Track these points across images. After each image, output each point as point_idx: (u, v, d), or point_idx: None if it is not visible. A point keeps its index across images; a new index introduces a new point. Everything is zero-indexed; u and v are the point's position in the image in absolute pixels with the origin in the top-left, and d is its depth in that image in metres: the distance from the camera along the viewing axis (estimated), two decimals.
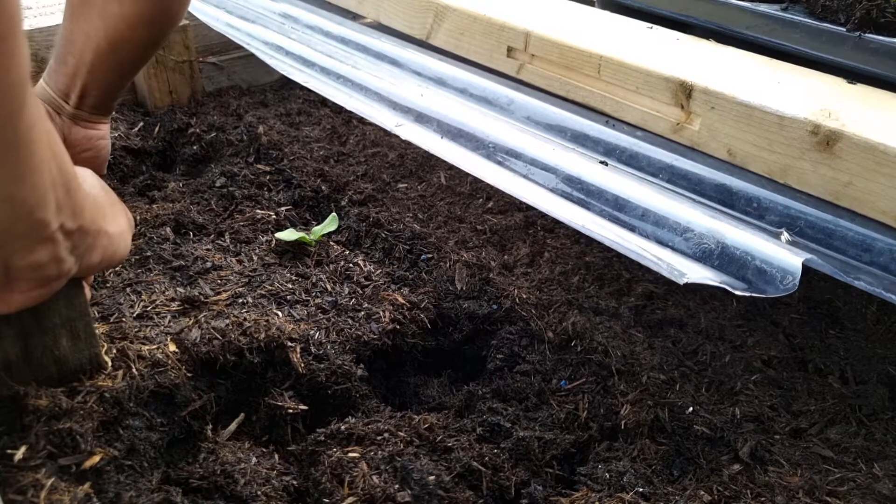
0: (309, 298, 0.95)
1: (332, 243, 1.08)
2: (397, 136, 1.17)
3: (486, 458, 0.78)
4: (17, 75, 0.52)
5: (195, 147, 1.33)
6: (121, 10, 0.84)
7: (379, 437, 0.78)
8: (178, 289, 0.92)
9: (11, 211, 0.56)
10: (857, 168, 0.85)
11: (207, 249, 1.01)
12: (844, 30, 1.11)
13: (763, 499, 0.75)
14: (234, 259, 1.00)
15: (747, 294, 0.80)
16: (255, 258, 1.01)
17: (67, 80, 0.91)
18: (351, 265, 1.02)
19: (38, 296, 0.64)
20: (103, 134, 0.97)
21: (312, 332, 0.88)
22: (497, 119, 1.18)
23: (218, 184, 1.18)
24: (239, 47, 1.47)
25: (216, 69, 1.58)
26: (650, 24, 1.25)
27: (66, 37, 0.90)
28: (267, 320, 0.87)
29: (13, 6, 0.50)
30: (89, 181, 0.70)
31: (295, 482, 0.75)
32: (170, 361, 0.80)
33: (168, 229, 1.04)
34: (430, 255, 1.07)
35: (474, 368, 0.99)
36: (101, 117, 0.95)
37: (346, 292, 0.97)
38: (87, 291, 0.75)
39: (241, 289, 0.94)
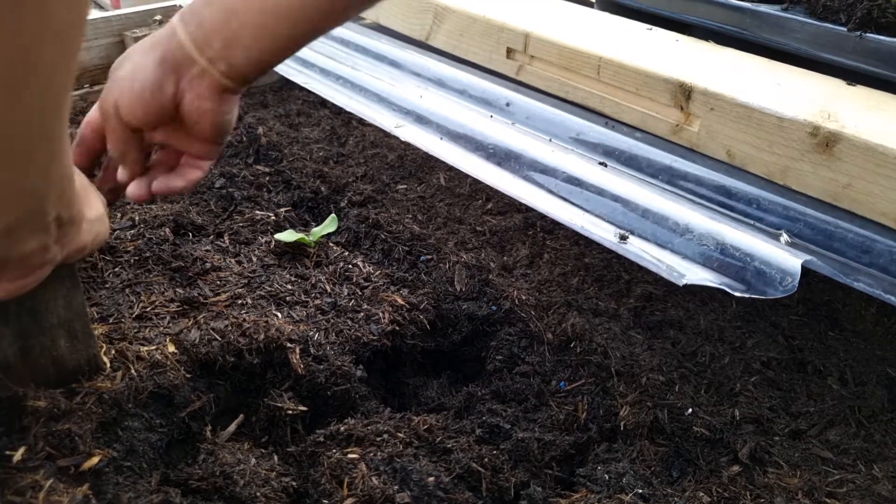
0: (308, 299, 0.95)
1: (331, 244, 1.07)
2: (397, 138, 1.17)
3: (486, 460, 0.78)
4: (71, 76, 0.52)
5: None
6: None
7: (378, 438, 0.78)
8: (177, 290, 0.92)
9: (30, 201, 0.56)
10: (857, 170, 0.85)
11: (206, 250, 1.01)
12: (845, 30, 1.11)
13: (762, 500, 0.75)
14: (233, 260, 1.00)
15: (747, 295, 0.80)
16: (254, 259, 1.01)
17: (218, 17, 0.68)
18: (350, 266, 1.02)
19: (25, 284, 0.64)
20: (227, 109, 0.76)
21: (312, 333, 0.88)
22: (496, 120, 1.18)
23: (217, 185, 1.18)
24: None
25: None
26: (649, 26, 1.25)
27: None
28: (266, 321, 0.87)
29: (81, 15, 0.50)
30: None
31: (294, 483, 0.75)
32: (169, 362, 0.80)
33: (167, 230, 1.04)
34: (429, 257, 1.07)
35: (473, 369, 0.99)
36: (232, 85, 0.73)
37: (346, 293, 0.97)
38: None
39: (240, 290, 0.94)
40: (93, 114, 0.82)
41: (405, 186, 1.26)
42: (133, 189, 0.86)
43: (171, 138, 0.85)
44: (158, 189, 0.87)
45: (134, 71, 0.74)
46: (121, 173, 0.86)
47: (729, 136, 0.97)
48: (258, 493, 0.71)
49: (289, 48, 0.73)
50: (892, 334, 1.00)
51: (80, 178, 0.71)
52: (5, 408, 0.69)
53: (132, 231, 1.02)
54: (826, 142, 0.87)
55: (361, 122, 1.45)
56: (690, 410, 0.84)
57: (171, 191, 0.86)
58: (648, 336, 0.95)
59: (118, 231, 1.02)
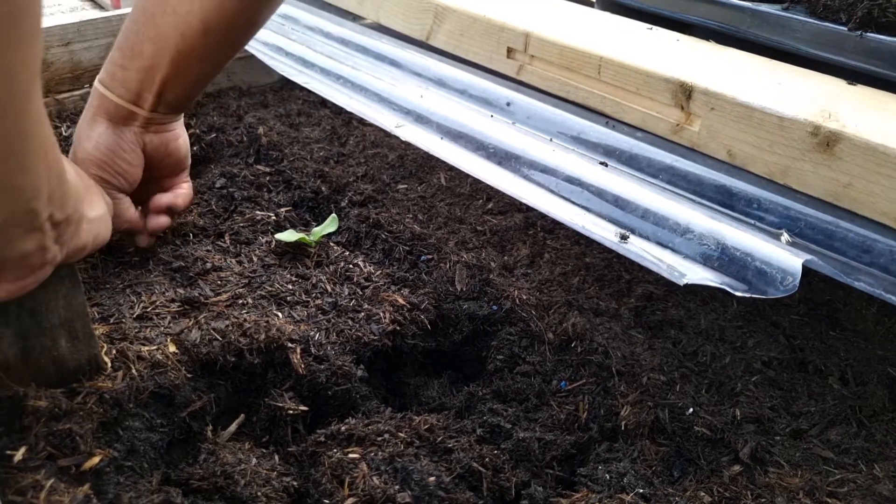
0: (309, 299, 0.95)
1: (331, 244, 1.07)
2: (397, 137, 1.17)
3: (487, 459, 0.78)
4: (32, 71, 0.52)
5: (195, 148, 1.32)
6: None
7: (379, 438, 0.78)
8: (177, 290, 0.92)
9: (15, 200, 0.56)
10: (858, 169, 0.85)
11: (207, 251, 1.01)
12: (846, 29, 1.11)
13: (763, 500, 0.75)
14: (233, 260, 1.00)
15: (747, 295, 0.79)
16: (255, 259, 1.01)
17: (141, 77, 0.78)
18: (351, 266, 1.02)
19: (26, 284, 0.64)
20: (179, 133, 0.88)
21: (312, 333, 0.88)
22: (497, 120, 1.18)
23: (218, 185, 1.18)
24: None
25: None
26: (650, 25, 1.25)
27: (143, 21, 0.77)
28: (267, 321, 0.87)
29: (34, 6, 0.50)
30: (67, 169, 0.68)
31: (295, 483, 0.75)
32: (170, 362, 0.80)
33: (168, 230, 1.04)
34: (430, 256, 1.07)
35: (474, 369, 0.99)
36: (175, 116, 0.85)
37: (346, 293, 0.97)
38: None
39: (240, 290, 0.94)
40: None
41: (406, 186, 1.26)
42: (153, 223, 0.96)
43: (150, 190, 0.92)
44: (162, 209, 0.94)
45: (95, 143, 0.82)
46: (142, 240, 0.92)
47: (730, 136, 0.97)
48: (259, 493, 0.71)
49: (213, 73, 0.84)
50: (893, 334, 1.00)
51: (81, 178, 0.71)
52: (6, 408, 0.69)
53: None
54: (827, 141, 0.87)
55: (362, 121, 1.45)
56: (691, 410, 0.84)
57: (177, 209, 0.94)
58: (649, 336, 0.95)
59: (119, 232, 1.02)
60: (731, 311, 1.01)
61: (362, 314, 0.94)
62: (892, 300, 0.79)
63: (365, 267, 1.03)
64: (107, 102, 0.80)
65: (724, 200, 0.98)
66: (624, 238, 0.90)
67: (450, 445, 0.78)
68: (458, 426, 0.83)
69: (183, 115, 0.87)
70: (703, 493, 0.75)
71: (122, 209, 0.90)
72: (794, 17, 1.18)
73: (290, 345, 0.85)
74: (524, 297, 0.99)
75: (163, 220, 0.96)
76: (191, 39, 0.75)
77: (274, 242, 1.04)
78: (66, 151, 1.22)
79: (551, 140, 1.13)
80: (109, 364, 0.78)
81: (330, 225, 1.09)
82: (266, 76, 1.62)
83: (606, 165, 1.06)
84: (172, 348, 0.82)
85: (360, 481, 0.72)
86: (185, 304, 0.90)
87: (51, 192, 0.60)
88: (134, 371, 0.78)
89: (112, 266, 0.96)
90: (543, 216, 1.14)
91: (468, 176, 1.16)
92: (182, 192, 0.99)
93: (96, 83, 0.81)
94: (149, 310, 0.88)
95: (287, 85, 1.60)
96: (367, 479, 0.72)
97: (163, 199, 0.96)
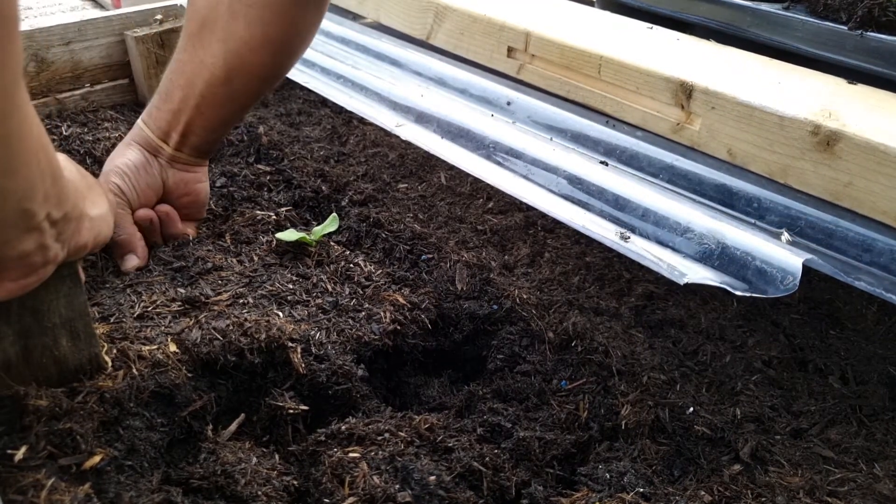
0: (309, 299, 0.95)
1: (332, 243, 1.08)
2: (398, 137, 1.17)
3: (487, 459, 0.78)
4: (12, 74, 0.52)
5: None
6: (247, 31, 0.80)
7: (379, 438, 0.78)
8: (178, 289, 0.92)
9: (5, 202, 0.57)
10: (858, 168, 0.85)
11: (208, 250, 1.01)
12: (846, 28, 1.11)
13: (763, 499, 0.75)
14: (234, 259, 1.00)
15: (748, 294, 0.80)
16: (255, 259, 1.01)
17: (170, 118, 0.88)
18: (351, 265, 1.02)
19: (28, 283, 0.65)
20: (201, 177, 0.96)
21: (313, 332, 0.88)
22: (497, 119, 1.18)
23: (218, 184, 1.18)
24: None
25: None
26: (650, 24, 1.25)
27: (176, 69, 0.86)
28: (268, 321, 0.87)
29: (11, 8, 0.50)
30: (67, 167, 0.69)
31: (295, 482, 0.75)
32: (170, 362, 0.80)
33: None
34: (430, 256, 1.07)
35: (475, 369, 0.99)
36: (199, 160, 0.93)
37: (347, 293, 0.97)
38: (81, 274, 0.74)
39: (241, 289, 0.94)
40: None
41: (406, 185, 1.26)
42: (140, 212, 0.96)
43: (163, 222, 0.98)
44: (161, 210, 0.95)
45: (125, 159, 0.90)
46: (131, 261, 0.92)
47: (730, 135, 0.97)
48: (259, 492, 0.71)
49: (234, 119, 0.94)
50: (893, 333, 1.00)
51: (83, 177, 0.72)
52: (7, 407, 0.69)
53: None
54: (827, 140, 0.87)
55: (362, 121, 1.45)
56: (692, 409, 0.84)
57: (167, 214, 0.95)
58: (649, 335, 0.95)
59: None
60: (731, 311, 1.01)
61: (363, 313, 0.94)
62: (892, 299, 0.79)
63: (365, 266, 1.03)
64: (143, 135, 0.90)
65: (725, 199, 0.98)
66: (624, 237, 0.90)
67: (450, 445, 0.79)
68: (459, 425, 0.83)
69: (208, 162, 0.95)
70: (703, 493, 0.75)
71: (123, 220, 0.92)
72: (795, 16, 1.18)
73: (290, 344, 0.85)
74: (524, 297, 0.99)
75: (150, 212, 0.97)
76: (214, 87, 0.84)
77: (274, 242, 1.05)
78: (66, 151, 1.22)
79: (552, 139, 1.13)
80: (110, 363, 0.78)
81: (330, 224, 1.09)
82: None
83: (607, 164, 1.06)
84: (173, 348, 0.83)
85: (361, 480, 0.72)
86: (185, 303, 0.90)
87: (45, 192, 0.60)
88: (135, 370, 0.78)
89: (113, 265, 0.96)
90: (544, 215, 1.14)
91: (468, 175, 1.16)
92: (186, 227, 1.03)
93: (139, 120, 0.92)
94: (149, 309, 0.88)
95: (287, 84, 1.60)
96: (368, 478, 0.72)
97: (163, 205, 0.99)
